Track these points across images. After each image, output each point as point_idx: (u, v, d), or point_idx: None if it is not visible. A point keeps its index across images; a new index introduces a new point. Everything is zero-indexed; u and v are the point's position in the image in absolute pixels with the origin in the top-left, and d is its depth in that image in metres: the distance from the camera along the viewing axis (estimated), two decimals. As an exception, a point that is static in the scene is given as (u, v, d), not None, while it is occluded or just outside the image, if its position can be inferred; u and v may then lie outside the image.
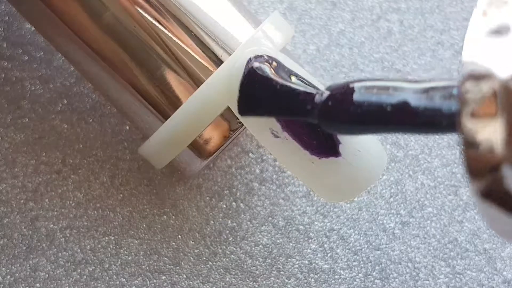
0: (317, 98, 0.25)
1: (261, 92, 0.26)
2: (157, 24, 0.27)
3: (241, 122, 0.28)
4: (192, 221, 0.33)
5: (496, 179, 0.19)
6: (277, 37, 0.28)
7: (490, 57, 0.19)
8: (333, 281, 0.32)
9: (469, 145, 0.19)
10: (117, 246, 0.32)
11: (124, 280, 0.32)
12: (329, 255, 0.33)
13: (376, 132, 0.23)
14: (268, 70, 0.26)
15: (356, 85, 0.23)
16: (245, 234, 0.33)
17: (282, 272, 0.32)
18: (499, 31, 0.20)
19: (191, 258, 0.32)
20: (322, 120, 0.24)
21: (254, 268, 0.32)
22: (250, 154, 0.33)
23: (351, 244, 0.33)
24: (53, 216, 0.32)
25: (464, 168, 0.20)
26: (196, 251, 0.32)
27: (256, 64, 0.26)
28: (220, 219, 0.33)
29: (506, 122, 0.19)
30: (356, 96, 0.23)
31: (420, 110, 0.21)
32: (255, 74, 0.26)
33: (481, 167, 0.19)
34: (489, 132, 0.19)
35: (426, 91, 0.22)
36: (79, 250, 0.32)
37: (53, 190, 0.32)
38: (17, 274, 0.32)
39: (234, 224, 0.33)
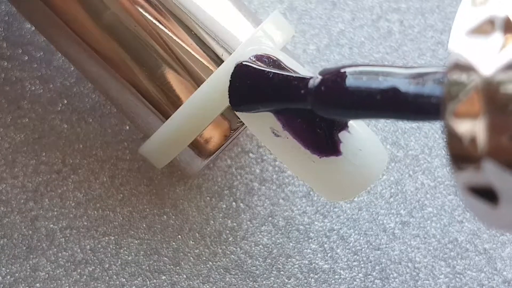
0: (311, 83, 0.25)
1: (253, 82, 0.26)
2: (157, 23, 0.27)
3: (241, 122, 0.28)
4: (192, 221, 0.33)
5: (476, 171, 0.20)
6: (277, 36, 0.28)
7: (473, 54, 0.20)
8: (333, 281, 0.32)
9: (452, 136, 0.20)
10: (117, 246, 0.32)
11: (124, 280, 0.32)
12: (329, 255, 0.33)
13: (368, 117, 0.24)
14: (258, 65, 0.26)
15: (347, 71, 0.23)
16: (245, 234, 0.33)
17: (282, 272, 0.32)
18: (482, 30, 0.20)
19: (191, 258, 0.32)
20: (315, 105, 0.24)
21: (254, 268, 0.32)
22: (250, 154, 0.33)
23: (351, 244, 0.33)
24: (53, 216, 0.32)
25: (447, 159, 0.20)
26: (196, 251, 0.32)
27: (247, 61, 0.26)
28: (220, 219, 0.33)
29: (489, 117, 0.19)
30: (348, 82, 0.23)
31: (409, 97, 0.22)
32: (245, 66, 0.26)
33: (463, 159, 0.20)
34: (472, 126, 0.19)
35: (415, 77, 0.22)
36: (79, 250, 0.32)
37: (53, 190, 0.32)
38: (17, 274, 0.32)
39: (234, 224, 0.33)
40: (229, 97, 0.27)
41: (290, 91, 0.25)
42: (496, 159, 0.19)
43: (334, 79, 0.24)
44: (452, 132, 0.20)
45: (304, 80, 0.25)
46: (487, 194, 0.20)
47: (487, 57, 0.19)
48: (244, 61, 0.26)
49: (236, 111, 0.27)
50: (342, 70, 0.23)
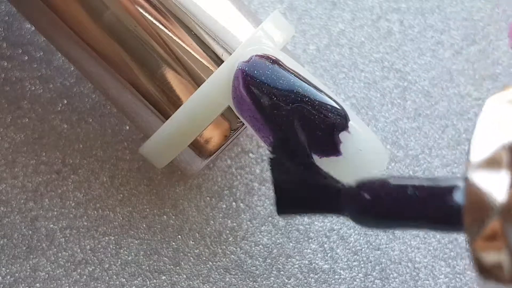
0: (351, 194, 0.25)
1: (295, 195, 0.26)
2: (157, 23, 0.27)
3: (241, 122, 0.28)
4: (192, 221, 0.32)
5: None
6: (277, 36, 0.28)
7: (487, 184, 0.20)
8: (333, 281, 0.32)
9: (479, 263, 0.20)
10: (117, 246, 0.32)
11: (124, 280, 0.32)
12: (329, 255, 0.33)
13: (411, 229, 0.24)
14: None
15: (392, 182, 0.24)
16: (245, 234, 0.33)
17: (282, 272, 0.32)
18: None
19: (191, 258, 0.32)
20: (356, 215, 0.25)
21: (254, 268, 0.32)
22: (250, 154, 0.33)
23: (351, 244, 0.33)
24: (53, 216, 0.32)
25: (476, 276, 0.21)
26: (196, 251, 0.32)
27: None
28: (220, 219, 0.33)
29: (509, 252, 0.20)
30: (393, 193, 0.24)
31: (454, 210, 0.22)
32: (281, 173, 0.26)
33: (492, 281, 0.20)
34: (497, 256, 0.20)
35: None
36: (79, 250, 0.32)
37: (53, 190, 0.32)
38: (17, 274, 0.32)
39: (234, 224, 0.33)
40: (276, 206, 0.26)
41: (326, 204, 0.25)
42: None
43: (379, 188, 0.24)
44: (478, 260, 0.20)
45: (340, 193, 0.25)
46: None
47: (500, 190, 0.20)
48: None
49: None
50: (387, 182, 0.24)
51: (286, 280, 0.32)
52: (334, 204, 0.25)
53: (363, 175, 0.27)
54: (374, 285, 0.32)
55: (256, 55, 0.27)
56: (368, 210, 0.24)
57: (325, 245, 0.33)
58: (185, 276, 0.32)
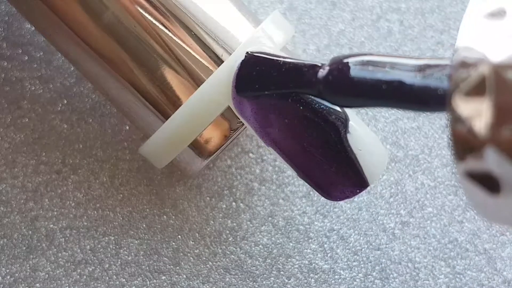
0: (320, 73, 0.25)
1: (263, 67, 0.26)
2: (157, 23, 0.27)
3: (241, 122, 0.28)
4: (192, 221, 0.33)
5: (479, 159, 0.20)
6: (277, 36, 0.28)
7: (484, 41, 0.20)
8: (333, 281, 0.32)
9: (456, 125, 0.20)
10: (117, 246, 0.32)
11: (124, 280, 0.32)
12: (329, 255, 0.33)
13: (374, 106, 0.24)
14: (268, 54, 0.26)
15: (352, 61, 0.24)
16: (245, 234, 0.33)
17: (282, 272, 0.32)
18: (495, 15, 0.20)
19: (191, 258, 0.32)
20: (323, 93, 0.25)
21: (254, 268, 0.32)
22: (250, 154, 0.33)
23: (351, 244, 0.33)
24: (53, 216, 0.32)
25: (450, 147, 0.20)
26: (196, 251, 0.32)
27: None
28: (220, 219, 0.33)
29: (492, 105, 0.19)
30: (353, 73, 0.23)
31: (414, 89, 0.22)
32: (256, 56, 0.26)
33: (465, 147, 0.20)
34: (475, 115, 0.20)
35: (420, 70, 0.22)
36: (79, 250, 0.32)
37: (53, 190, 0.32)
38: (17, 274, 0.32)
39: (234, 224, 0.33)
40: (235, 82, 0.26)
41: (300, 78, 0.25)
42: (498, 146, 0.19)
43: (340, 69, 0.24)
44: (456, 120, 0.20)
45: (315, 68, 0.25)
46: (487, 183, 0.20)
47: (497, 44, 0.20)
48: (254, 52, 0.26)
49: (240, 95, 0.27)
50: (347, 60, 0.24)
51: (286, 280, 0.32)
52: (307, 81, 0.25)
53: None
54: (374, 285, 0.32)
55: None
56: (331, 91, 0.24)
57: (325, 245, 0.33)
58: (185, 276, 0.32)
